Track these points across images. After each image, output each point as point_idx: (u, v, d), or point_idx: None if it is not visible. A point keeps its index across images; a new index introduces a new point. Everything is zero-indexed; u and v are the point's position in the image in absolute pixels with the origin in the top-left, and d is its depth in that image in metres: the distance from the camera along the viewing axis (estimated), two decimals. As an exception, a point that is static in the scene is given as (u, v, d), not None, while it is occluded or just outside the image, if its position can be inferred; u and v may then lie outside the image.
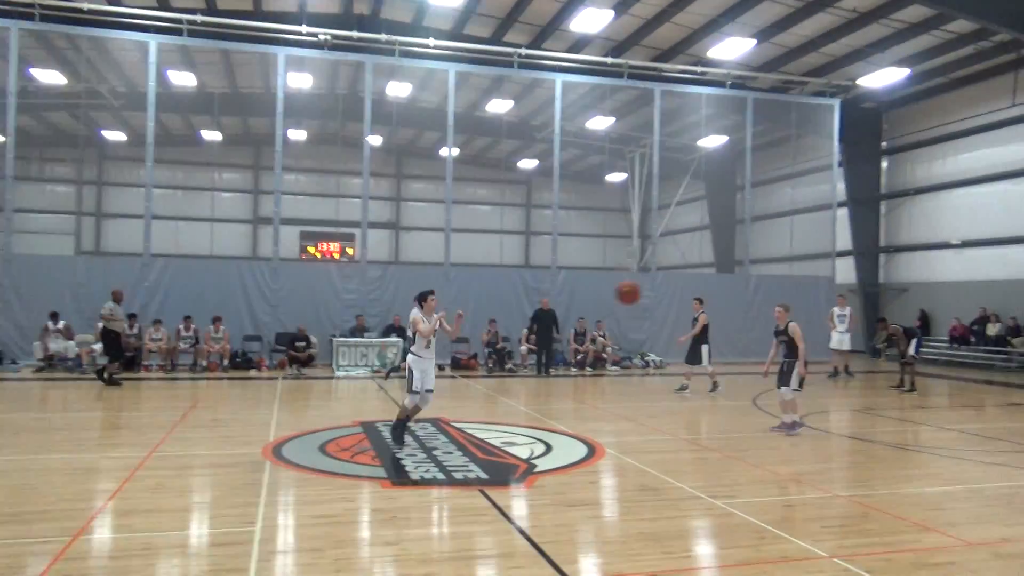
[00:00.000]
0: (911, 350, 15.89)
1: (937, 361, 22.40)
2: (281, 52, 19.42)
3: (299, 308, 18.64)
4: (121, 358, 15.00)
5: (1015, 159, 22.05)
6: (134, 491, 6.86)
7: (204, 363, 17.21)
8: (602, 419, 11.96)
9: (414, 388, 8.74)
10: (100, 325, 14.85)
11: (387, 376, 16.58)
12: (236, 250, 34.94)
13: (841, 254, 24.92)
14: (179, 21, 18.51)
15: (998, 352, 21.54)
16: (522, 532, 5.86)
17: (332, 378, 16.75)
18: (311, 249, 25.76)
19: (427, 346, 8.86)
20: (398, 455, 8.39)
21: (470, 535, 5.94)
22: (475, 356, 18.78)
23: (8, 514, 6.08)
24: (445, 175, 21.03)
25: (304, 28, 19.37)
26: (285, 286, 19.03)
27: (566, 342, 19.46)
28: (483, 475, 7.70)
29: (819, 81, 23.60)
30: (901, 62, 21.24)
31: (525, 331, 18.85)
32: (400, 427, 8.93)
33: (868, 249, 27.05)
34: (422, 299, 9.01)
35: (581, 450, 9.00)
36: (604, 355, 19.46)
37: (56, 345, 16.58)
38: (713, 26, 20.76)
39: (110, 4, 19.67)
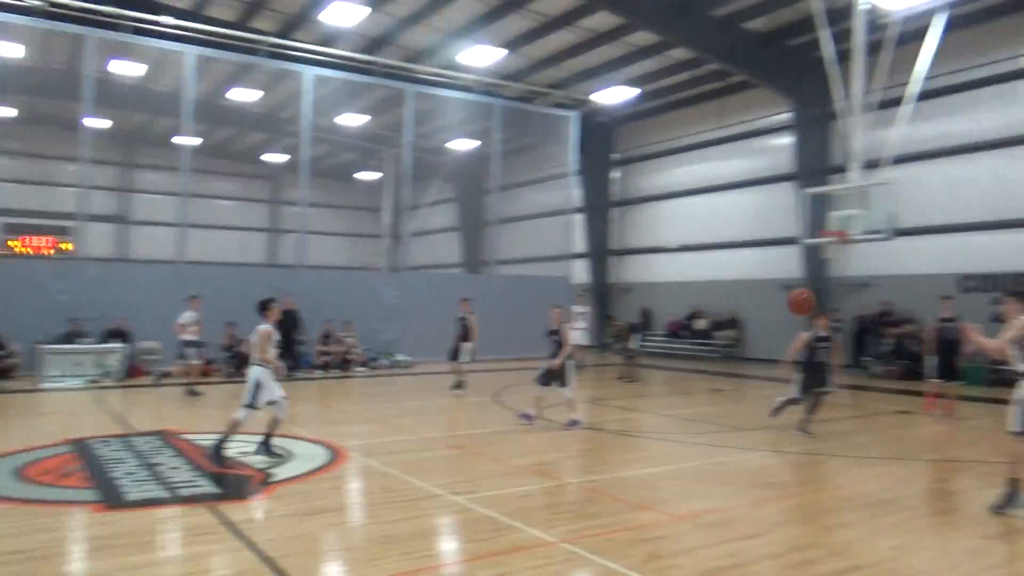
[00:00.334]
0: (634, 344, 17.57)
1: (656, 353, 24.84)
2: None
3: (-5, 310, 16.16)
4: None
5: (719, 174, 25.13)
6: None
7: None
8: (347, 422, 11.73)
9: (255, 403, 8.22)
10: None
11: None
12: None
13: (577, 256, 26.79)
14: None
15: (705, 344, 24.41)
16: (255, 548, 5.53)
17: (38, 391, 14.72)
18: (13, 243, 22.56)
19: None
20: (113, 475, 7.55)
21: (197, 556, 5.48)
22: (212, 361, 17.52)
23: None
24: (181, 166, 19.45)
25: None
26: (-26, 285, 16.42)
27: (312, 343, 18.86)
28: (213, 489, 7.18)
29: (560, 94, 25.14)
30: (631, 82, 23.27)
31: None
32: (263, 446, 8.41)
33: (600, 251, 29.37)
34: (264, 308, 8.52)
35: (323, 455, 8.73)
36: (351, 357, 19.13)
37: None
38: (465, 32, 21.28)
39: None
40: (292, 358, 17.57)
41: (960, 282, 18.59)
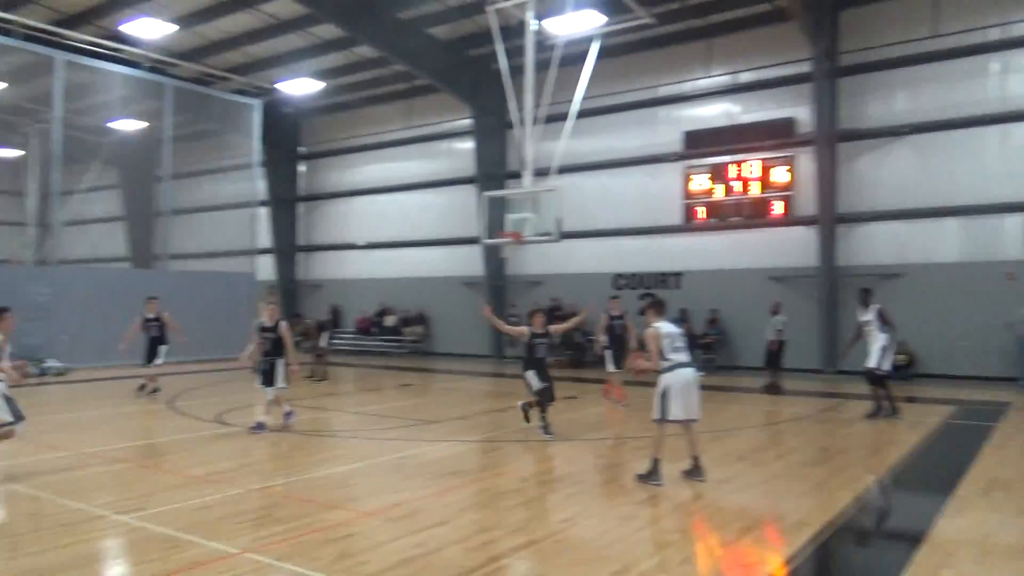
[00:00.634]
0: (323, 342, 17.32)
1: (346, 351, 24.72)
2: None
3: None
4: None
5: (407, 174, 25.73)
6: None
7: None
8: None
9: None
10: None
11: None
12: None
13: (262, 252, 25.62)
14: None
15: (394, 340, 24.86)
16: None
17: None
18: None
19: None
20: None
21: None
22: None
23: None
24: None
25: None
26: None
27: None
28: None
29: (241, 80, 23.81)
30: (317, 74, 22.80)
31: None
32: None
33: (287, 248, 28.45)
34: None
35: (-53, 484, 7.31)
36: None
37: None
38: (127, 0, 19.20)
39: None
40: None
41: (614, 280, 21.16)
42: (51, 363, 17.86)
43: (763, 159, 18.95)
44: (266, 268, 26.89)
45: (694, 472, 7.60)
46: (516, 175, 18.67)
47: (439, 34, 20.79)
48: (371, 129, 26.52)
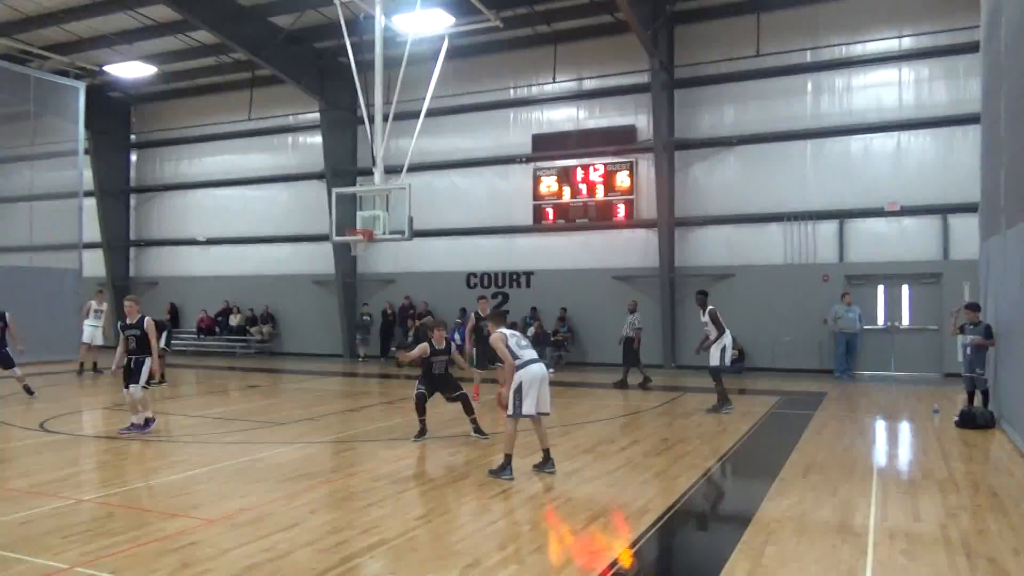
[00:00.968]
0: (161, 342, 16.24)
1: (186, 352, 23.40)
2: None
3: None
4: None
5: (251, 167, 24.72)
6: None
7: None
8: None
9: None
10: None
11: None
12: None
13: (89, 246, 23.74)
14: None
15: (239, 340, 23.82)
16: None
17: None
18: None
19: None
20: None
21: None
22: None
23: None
24: None
25: None
26: None
27: None
28: None
29: (63, 59, 21.96)
30: (149, 58, 21.41)
31: None
32: None
33: (118, 242, 26.56)
34: None
35: None
36: None
37: None
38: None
39: None
40: None
41: (467, 279, 21.37)
42: None
43: (606, 164, 19.78)
44: (95, 264, 24.96)
45: (544, 465, 7.84)
46: (367, 172, 18.45)
47: (283, 23, 20.05)
48: (212, 119, 25.24)
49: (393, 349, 21.47)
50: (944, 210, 16.80)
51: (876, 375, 17.32)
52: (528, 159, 20.78)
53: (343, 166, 22.44)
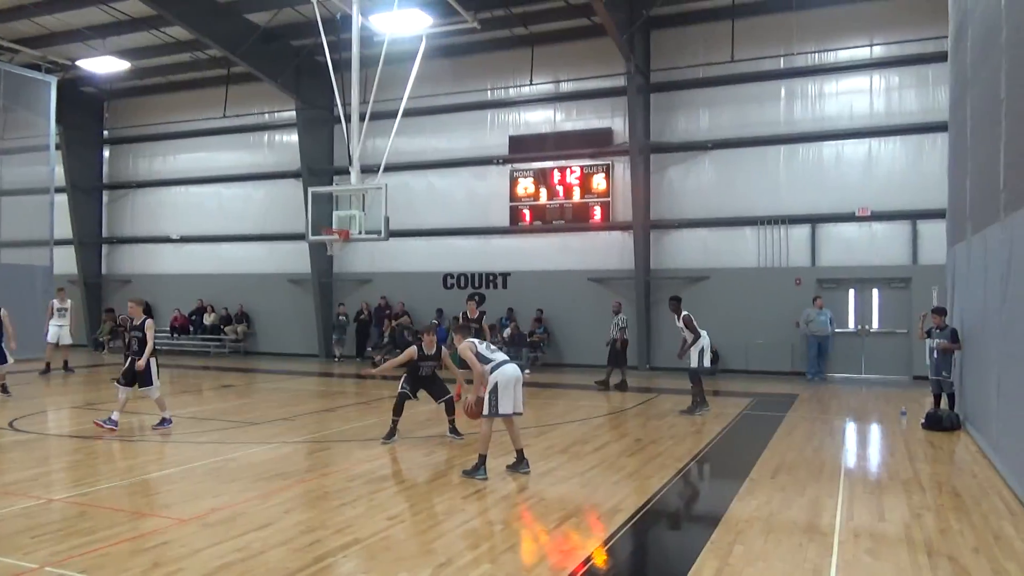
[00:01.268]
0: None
1: (159, 351, 23.15)
2: None
3: None
4: None
5: (226, 165, 24.54)
6: None
7: None
8: None
9: None
10: None
11: None
12: None
13: (60, 243, 23.44)
14: None
15: (214, 339, 23.63)
16: None
17: None
18: None
19: None
20: None
21: None
22: None
23: None
24: None
25: None
26: None
27: None
28: None
29: (34, 53, 21.65)
30: (122, 53, 21.17)
31: None
32: None
33: (90, 239, 26.25)
34: None
35: None
36: None
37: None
38: None
39: None
40: None
41: (444, 279, 21.38)
42: None
43: (583, 166, 19.90)
44: (67, 261, 24.66)
45: (518, 465, 7.90)
46: (343, 171, 18.39)
47: (259, 20, 19.90)
48: (187, 115, 25.02)
49: (370, 349, 21.42)
50: (913, 216, 17.11)
51: (847, 377, 17.58)
52: (505, 160, 20.83)
53: (319, 165, 22.35)
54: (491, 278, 21.04)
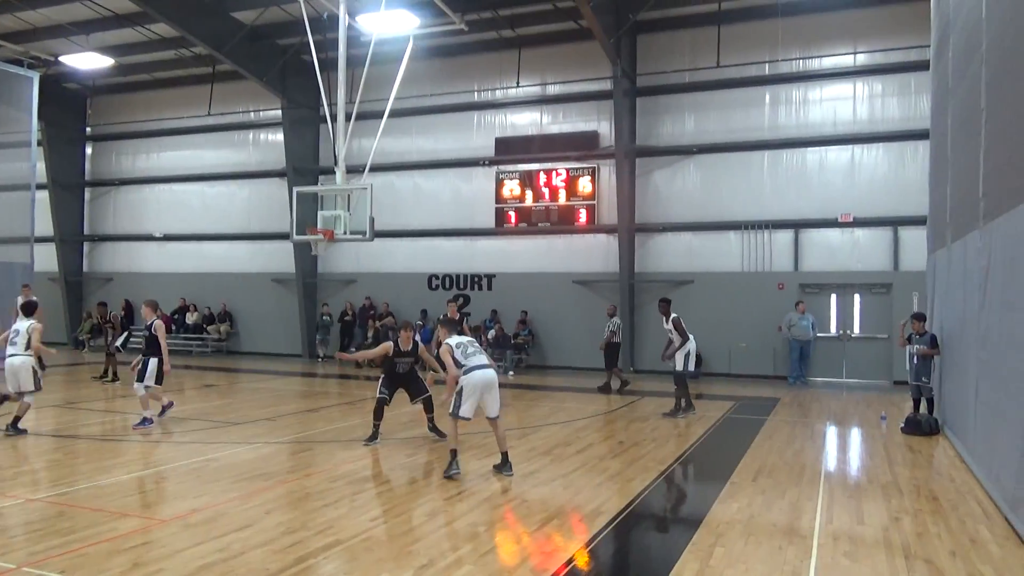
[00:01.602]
0: (119, 342, 16.11)
1: (140, 349, 22.95)
2: None
3: None
4: None
5: (210, 163, 24.40)
6: None
7: None
8: None
9: None
10: None
11: None
12: None
13: (41, 240, 23.18)
14: None
15: (196, 338, 23.46)
16: None
17: None
18: None
19: None
20: None
21: None
22: None
23: None
24: None
25: None
26: None
27: None
28: None
29: (16, 48, 21.41)
30: (106, 50, 21.01)
31: None
32: None
33: (71, 236, 26.00)
34: None
35: None
36: None
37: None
38: None
39: None
40: None
41: (429, 280, 21.37)
42: None
43: (568, 169, 19.94)
44: (48, 258, 24.41)
45: (502, 467, 7.94)
46: (329, 171, 18.33)
47: (245, 18, 19.79)
48: (171, 113, 24.84)
49: (352, 350, 21.35)
50: (895, 222, 17.28)
51: (828, 382, 17.72)
52: (491, 162, 20.84)
53: (305, 164, 22.26)
54: (476, 279, 21.04)
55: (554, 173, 20.06)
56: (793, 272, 18.19)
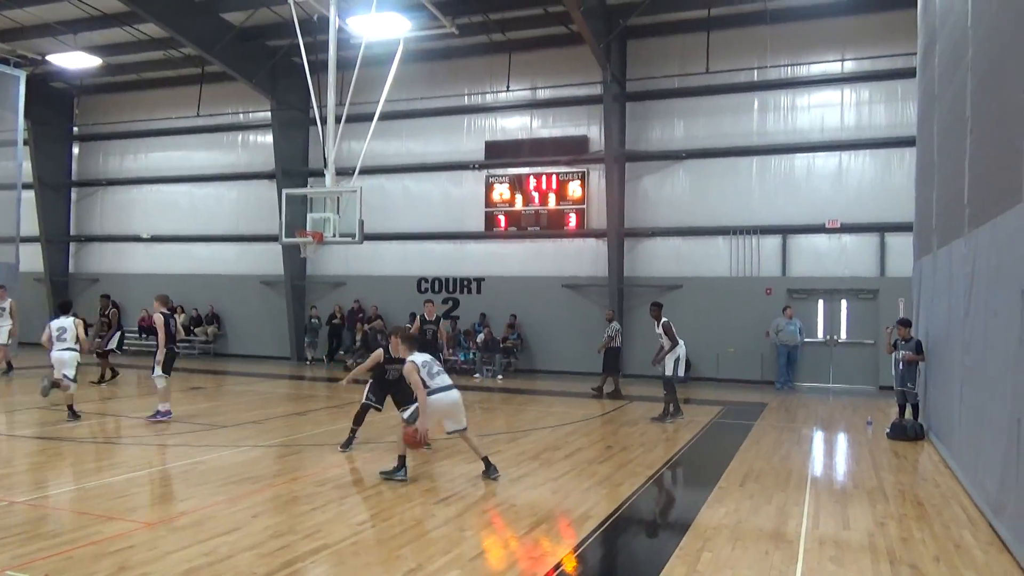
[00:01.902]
0: (113, 343, 16.05)
1: (127, 351, 22.81)
2: None
3: None
4: None
5: (199, 164, 24.31)
6: None
7: None
8: None
9: None
10: None
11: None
12: None
13: (27, 240, 23.02)
14: None
15: (183, 340, 23.29)
16: None
17: None
18: None
19: None
20: None
21: None
22: None
23: None
24: None
25: None
26: None
27: None
28: None
29: (3, 47, 21.26)
30: (94, 49, 20.89)
31: None
32: None
33: (57, 237, 25.84)
34: None
35: None
36: None
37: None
38: None
39: None
40: None
41: (418, 284, 21.34)
42: None
43: (558, 173, 19.98)
44: (33, 259, 24.24)
45: (488, 471, 7.92)
46: (318, 173, 18.29)
47: (235, 20, 19.71)
48: (159, 113, 24.73)
49: (341, 353, 21.33)
50: (882, 229, 17.41)
51: (815, 387, 17.82)
52: (481, 166, 20.86)
53: (294, 166, 22.20)
54: (465, 283, 21.03)
55: (544, 177, 20.10)
56: (781, 277, 18.29)
